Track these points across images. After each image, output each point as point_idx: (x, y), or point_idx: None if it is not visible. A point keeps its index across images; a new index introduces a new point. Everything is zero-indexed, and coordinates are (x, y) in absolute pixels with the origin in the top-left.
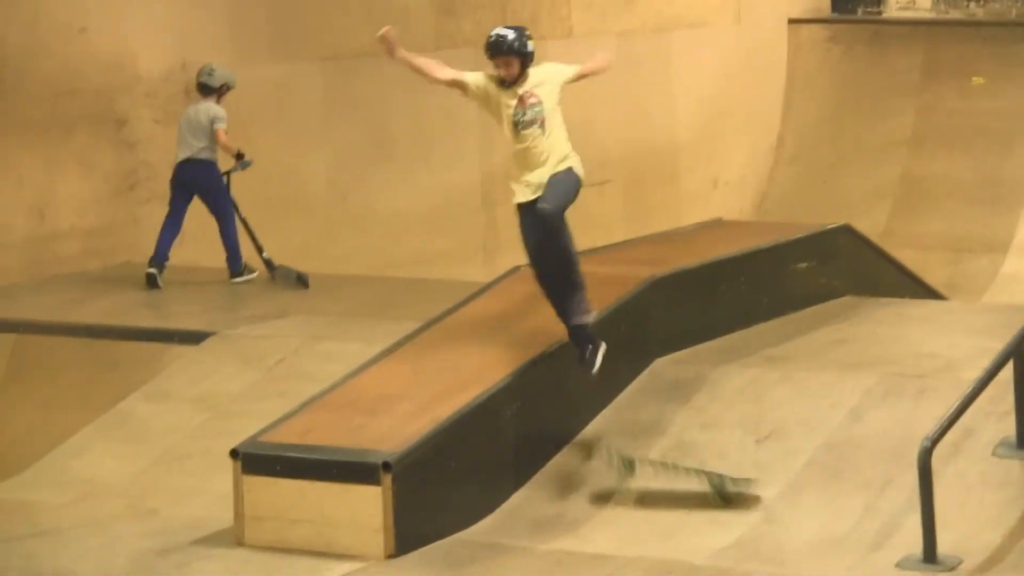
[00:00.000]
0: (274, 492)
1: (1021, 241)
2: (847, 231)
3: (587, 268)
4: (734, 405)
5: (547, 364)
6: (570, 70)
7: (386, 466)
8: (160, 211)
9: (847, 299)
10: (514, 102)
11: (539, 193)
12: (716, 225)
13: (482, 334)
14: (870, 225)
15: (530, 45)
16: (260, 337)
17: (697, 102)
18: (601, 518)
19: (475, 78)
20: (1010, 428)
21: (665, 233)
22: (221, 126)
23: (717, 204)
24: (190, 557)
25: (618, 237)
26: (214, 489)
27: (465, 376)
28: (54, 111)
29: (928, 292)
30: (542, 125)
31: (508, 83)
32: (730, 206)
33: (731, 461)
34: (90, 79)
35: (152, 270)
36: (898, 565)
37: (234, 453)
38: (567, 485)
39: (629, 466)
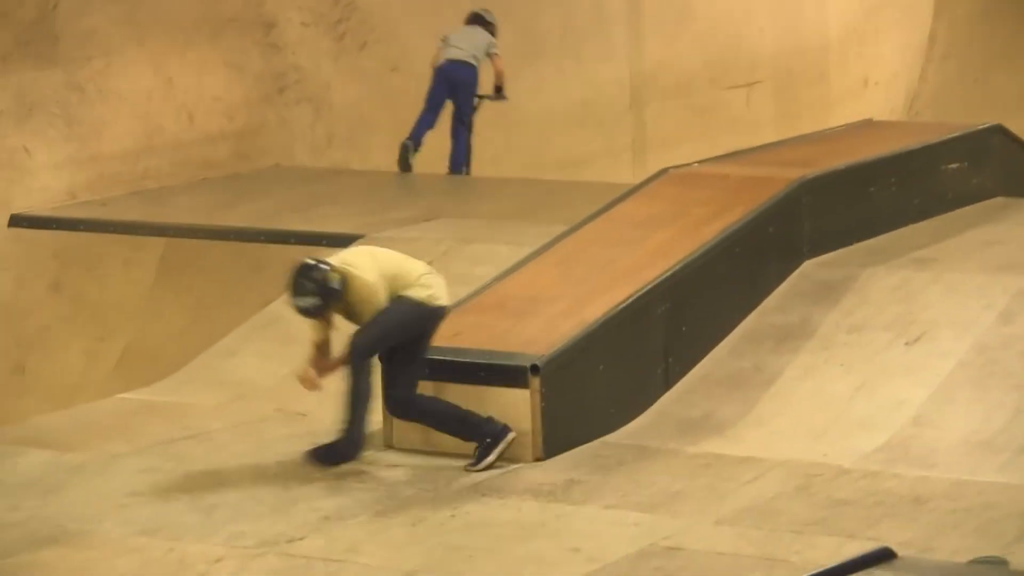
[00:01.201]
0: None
1: None
2: (999, 131)
3: (737, 170)
4: (883, 307)
5: (696, 265)
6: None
7: (534, 369)
8: (308, 114)
9: (999, 200)
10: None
11: None
12: (866, 125)
13: (631, 235)
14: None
15: (320, 297)
16: (409, 240)
17: None
18: (749, 420)
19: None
20: None
21: (815, 134)
22: (497, 52)
23: (867, 103)
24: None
25: (768, 138)
26: None
27: (614, 277)
28: (204, 14)
29: None
30: None
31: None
32: (880, 105)
33: (880, 363)
34: None
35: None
36: None
37: (381, 357)
38: (716, 386)
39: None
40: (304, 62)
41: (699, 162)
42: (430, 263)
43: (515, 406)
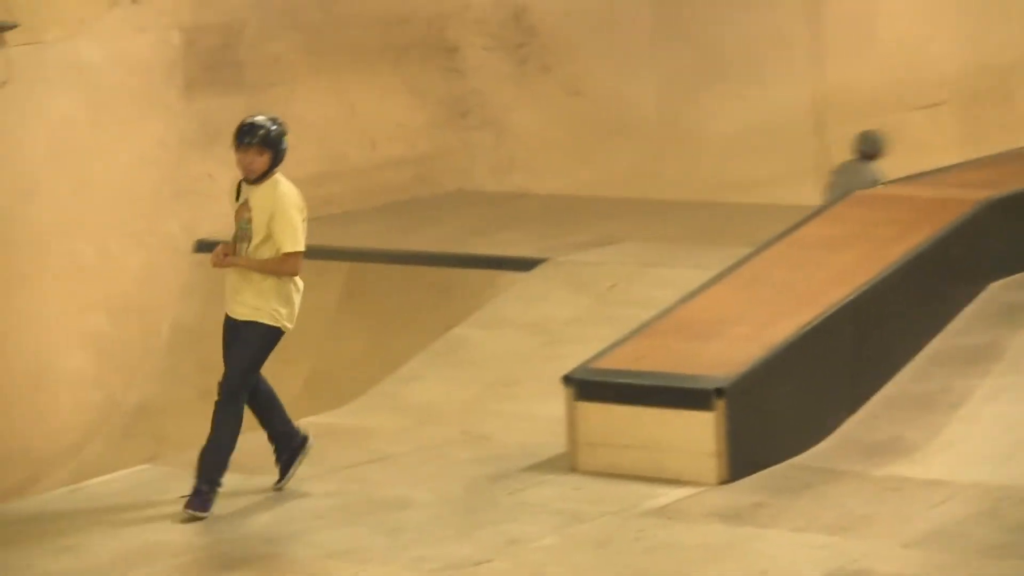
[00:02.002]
0: (606, 418)
1: None
2: None
3: (922, 191)
4: None
5: (881, 287)
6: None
7: (719, 392)
8: (490, 137)
9: None
10: (237, 206)
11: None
12: None
13: (816, 257)
14: None
15: (283, 141)
16: (591, 263)
17: None
18: (938, 442)
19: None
20: None
21: (1000, 155)
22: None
23: None
24: (523, 483)
25: (952, 160)
26: (545, 415)
27: (799, 300)
28: (386, 40)
29: None
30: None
31: (248, 181)
32: None
33: None
34: (421, 7)
35: None
36: None
37: (567, 379)
38: (902, 409)
39: None
40: (485, 86)
41: (883, 183)
42: (612, 286)
43: (700, 428)
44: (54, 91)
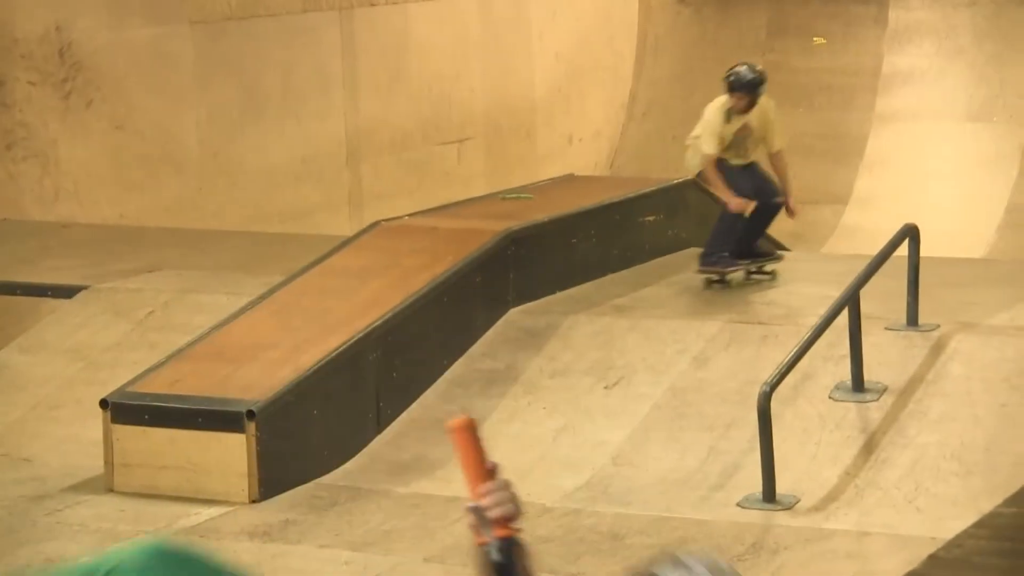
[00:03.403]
0: (143, 440)
1: (860, 193)
2: (694, 185)
3: (446, 222)
4: (585, 352)
5: (406, 314)
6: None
7: (250, 414)
8: (36, 170)
9: (693, 250)
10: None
11: None
12: (568, 180)
13: (345, 285)
14: None
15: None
16: (131, 290)
17: (554, 60)
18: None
19: None
20: (846, 372)
21: (520, 188)
22: None
23: (572, 160)
24: (62, 503)
25: (479, 192)
26: (86, 437)
27: (329, 325)
28: None
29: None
30: None
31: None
32: (585, 161)
33: (581, 406)
34: None
35: None
36: (739, 504)
37: (104, 403)
38: (426, 430)
39: None
40: (31, 120)
41: (409, 215)
42: (151, 313)
43: (232, 450)
44: None
